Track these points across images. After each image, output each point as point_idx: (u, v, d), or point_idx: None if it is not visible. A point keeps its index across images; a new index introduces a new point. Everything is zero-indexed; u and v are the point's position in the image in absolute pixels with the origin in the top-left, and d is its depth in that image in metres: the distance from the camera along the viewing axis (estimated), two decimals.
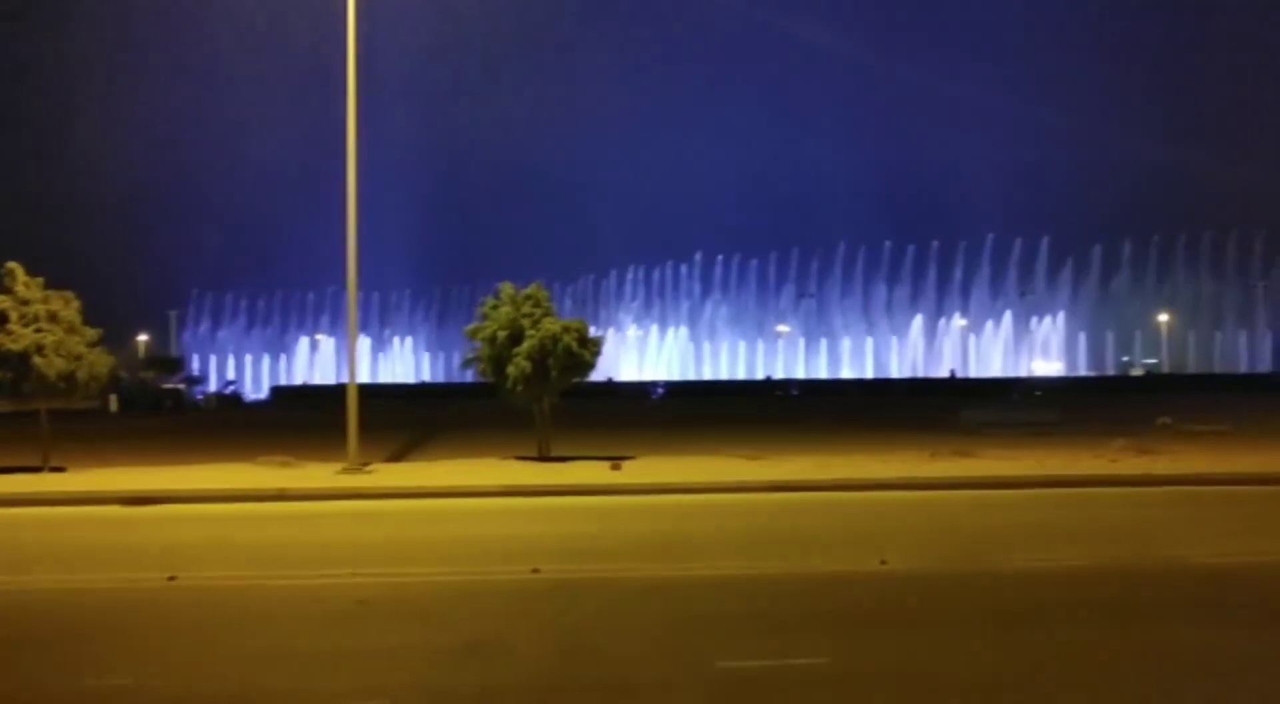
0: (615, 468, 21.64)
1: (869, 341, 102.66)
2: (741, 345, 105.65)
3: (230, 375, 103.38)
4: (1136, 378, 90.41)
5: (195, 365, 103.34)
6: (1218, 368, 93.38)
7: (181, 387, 76.67)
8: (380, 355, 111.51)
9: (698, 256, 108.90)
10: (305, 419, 46.10)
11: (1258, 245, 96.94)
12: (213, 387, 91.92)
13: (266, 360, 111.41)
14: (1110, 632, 8.95)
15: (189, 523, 16.65)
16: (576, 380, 23.99)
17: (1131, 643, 8.58)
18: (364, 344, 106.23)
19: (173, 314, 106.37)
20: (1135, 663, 8.03)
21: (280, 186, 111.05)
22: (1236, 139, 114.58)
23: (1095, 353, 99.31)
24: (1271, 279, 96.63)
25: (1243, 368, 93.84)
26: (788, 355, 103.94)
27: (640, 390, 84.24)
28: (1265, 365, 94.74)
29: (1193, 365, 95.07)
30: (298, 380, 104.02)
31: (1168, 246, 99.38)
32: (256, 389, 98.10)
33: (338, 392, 49.15)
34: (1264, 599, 10.14)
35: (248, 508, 18.08)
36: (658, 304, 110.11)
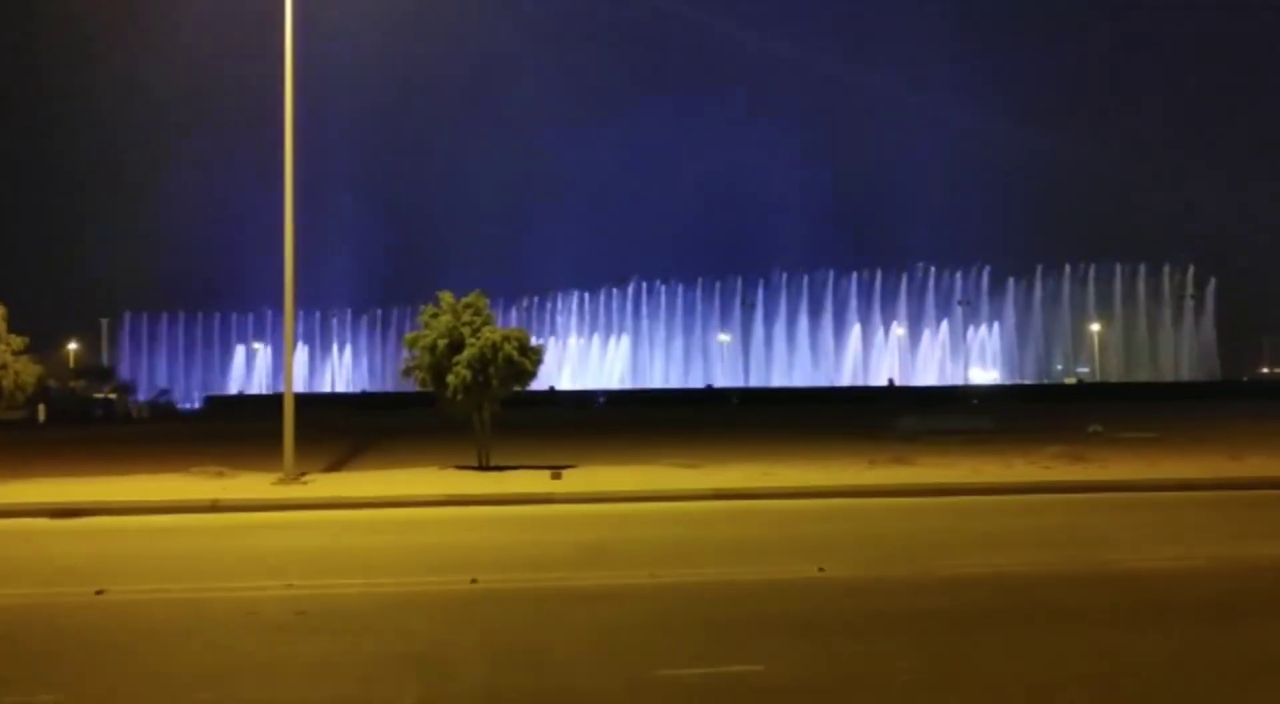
0: (556, 477, 21.58)
1: (809, 350, 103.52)
2: (683, 354, 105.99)
3: (163, 384, 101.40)
4: (1069, 386, 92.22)
5: (127, 374, 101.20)
6: (1146, 377, 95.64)
7: (113, 396, 75.00)
8: (318, 364, 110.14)
9: (637, 277, 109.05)
10: (240, 429, 45.38)
11: (1188, 260, 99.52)
12: (144, 396, 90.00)
13: (201, 370, 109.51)
14: (1041, 635, 9.11)
15: (119, 535, 16.30)
16: (518, 389, 23.90)
17: (1060, 645, 8.74)
18: (302, 353, 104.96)
19: (105, 322, 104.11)
20: (1063, 665, 8.18)
21: (219, 198, 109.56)
22: (1175, 164, 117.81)
23: (1029, 362, 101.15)
24: (1199, 292, 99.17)
25: (1169, 377, 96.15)
26: (729, 364, 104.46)
27: (582, 399, 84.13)
28: (1191, 374, 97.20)
29: (1123, 374, 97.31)
30: (233, 390, 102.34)
31: (1100, 259, 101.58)
32: (189, 399, 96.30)
33: (274, 401, 48.47)
34: (1188, 602, 10.38)
35: (180, 519, 17.75)
36: (601, 315, 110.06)
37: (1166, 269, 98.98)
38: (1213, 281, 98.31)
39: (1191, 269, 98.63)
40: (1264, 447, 27.09)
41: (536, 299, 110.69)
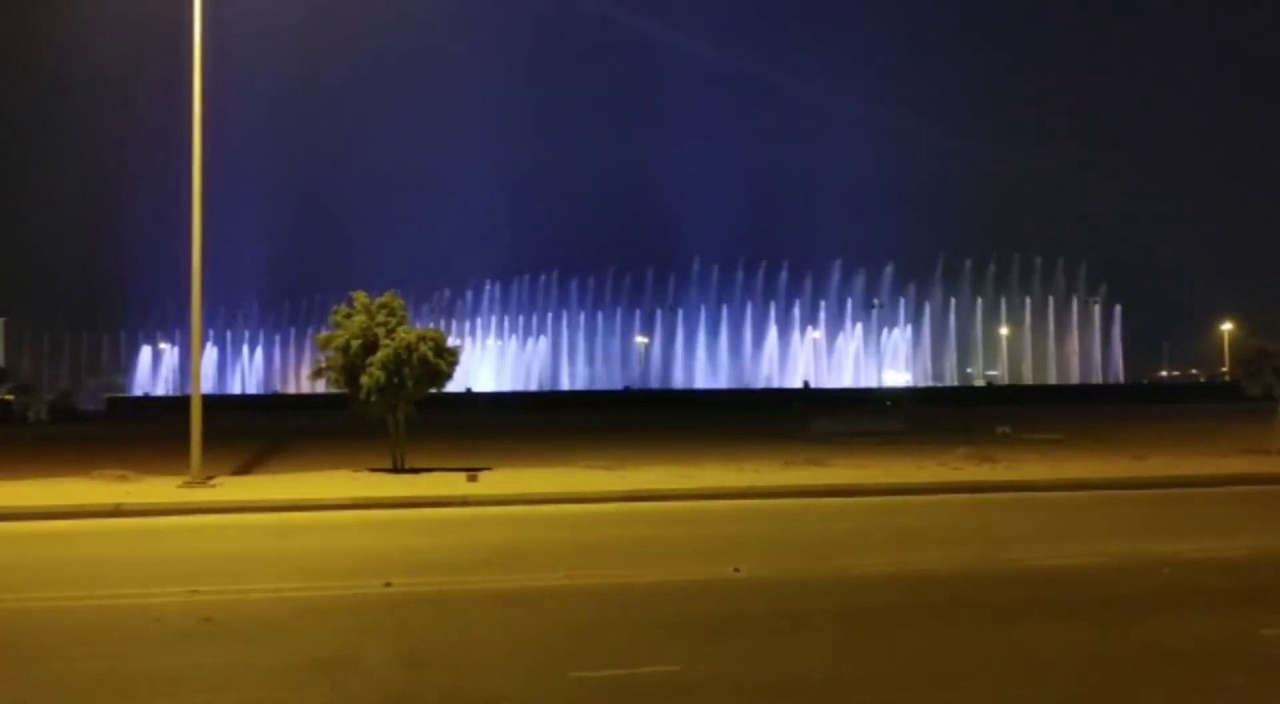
0: (472, 479, 21.39)
1: (725, 352, 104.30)
2: (600, 356, 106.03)
3: (64, 385, 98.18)
4: (979, 389, 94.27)
5: (27, 376, 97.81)
6: (1054, 380, 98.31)
7: (9, 398, 72.40)
8: (228, 365, 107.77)
9: (555, 273, 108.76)
10: (146, 431, 44.16)
11: (1083, 266, 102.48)
12: (45, 397, 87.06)
13: (104, 371, 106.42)
14: (951, 630, 9.26)
15: (16, 541, 15.71)
16: (433, 391, 23.63)
17: (970, 640, 8.90)
18: (210, 354, 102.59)
19: (1, 321, 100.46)
20: (973, 658, 8.32)
21: (126, 192, 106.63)
22: (1080, 167, 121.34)
23: (942, 365, 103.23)
24: (1102, 296, 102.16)
25: (1075, 380, 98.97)
26: (647, 366, 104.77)
27: (499, 400, 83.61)
28: (1097, 377, 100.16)
29: (1031, 377, 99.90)
30: (138, 392, 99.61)
31: (1008, 264, 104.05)
32: (93, 401, 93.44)
33: (180, 403, 47.27)
34: (1092, 597, 10.65)
35: (81, 524, 17.17)
36: (518, 316, 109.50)
37: (1060, 264, 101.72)
38: (1104, 288, 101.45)
39: (1084, 267, 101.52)
40: (1165, 447, 28.02)
41: (449, 292, 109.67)
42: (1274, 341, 29.09)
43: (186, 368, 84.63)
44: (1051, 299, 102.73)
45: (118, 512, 18.09)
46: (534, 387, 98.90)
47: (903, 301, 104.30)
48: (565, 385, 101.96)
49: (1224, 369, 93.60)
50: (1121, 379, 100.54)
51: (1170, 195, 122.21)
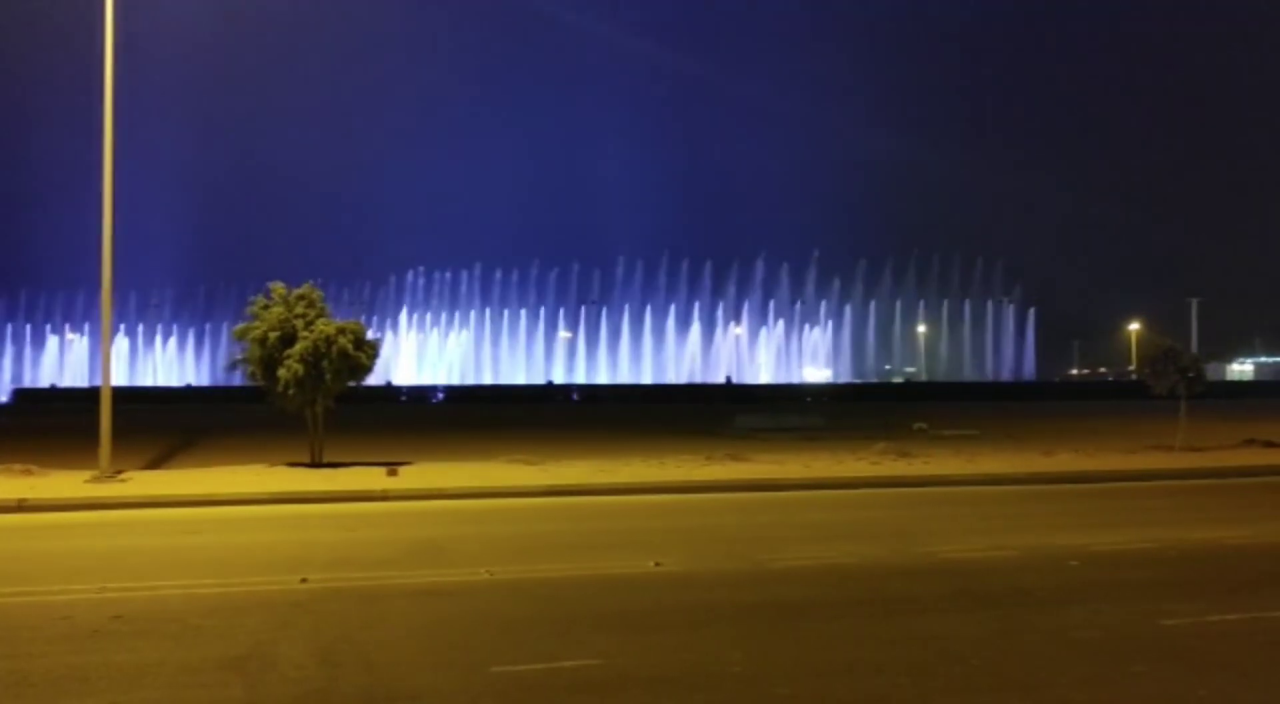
0: (391, 473, 21.16)
1: (648, 348, 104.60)
2: (523, 350, 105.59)
3: None
4: (897, 385, 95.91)
5: None
6: (969, 377, 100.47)
7: None
8: (139, 357, 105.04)
9: (478, 267, 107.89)
10: (52, 424, 42.89)
11: (999, 266, 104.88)
12: None
13: (8, 360, 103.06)
14: (866, 623, 9.42)
15: None
16: (353, 384, 23.31)
17: (884, 632, 9.06)
18: (122, 344, 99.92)
19: None
20: (887, 650, 8.48)
21: (35, 177, 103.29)
22: (999, 169, 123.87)
23: (860, 361, 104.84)
24: (1016, 297, 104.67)
25: (990, 377, 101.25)
26: (569, 360, 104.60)
27: (420, 394, 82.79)
28: (1009, 376, 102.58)
29: (947, 375, 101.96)
30: (45, 382, 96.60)
31: (927, 263, 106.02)
32: None
33: (90, 395, 45.99)
34: (1001, 589, 10.91)
35: None
36: (440, 307, 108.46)
37: (978, 270, 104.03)
38: (1018, 288, 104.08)
39: (999, 266, 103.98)
40: (1073, 444, 28.80)
41: (370, 284, 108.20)
42: (1179, 342, 30.07)
43: (97, 358, 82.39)
44: (968, 299, 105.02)
45: (21, 507, 17.54)
46: (455, 381, 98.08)
47: (823, 298, 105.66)
48: (487, 379, 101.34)
49: (1131, 368, 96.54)
50: (1034, 377, 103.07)
51: (1085, 198, 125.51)
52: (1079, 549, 13.16)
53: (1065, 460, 24.43)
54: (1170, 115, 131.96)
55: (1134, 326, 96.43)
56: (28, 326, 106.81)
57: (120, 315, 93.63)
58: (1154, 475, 22.49)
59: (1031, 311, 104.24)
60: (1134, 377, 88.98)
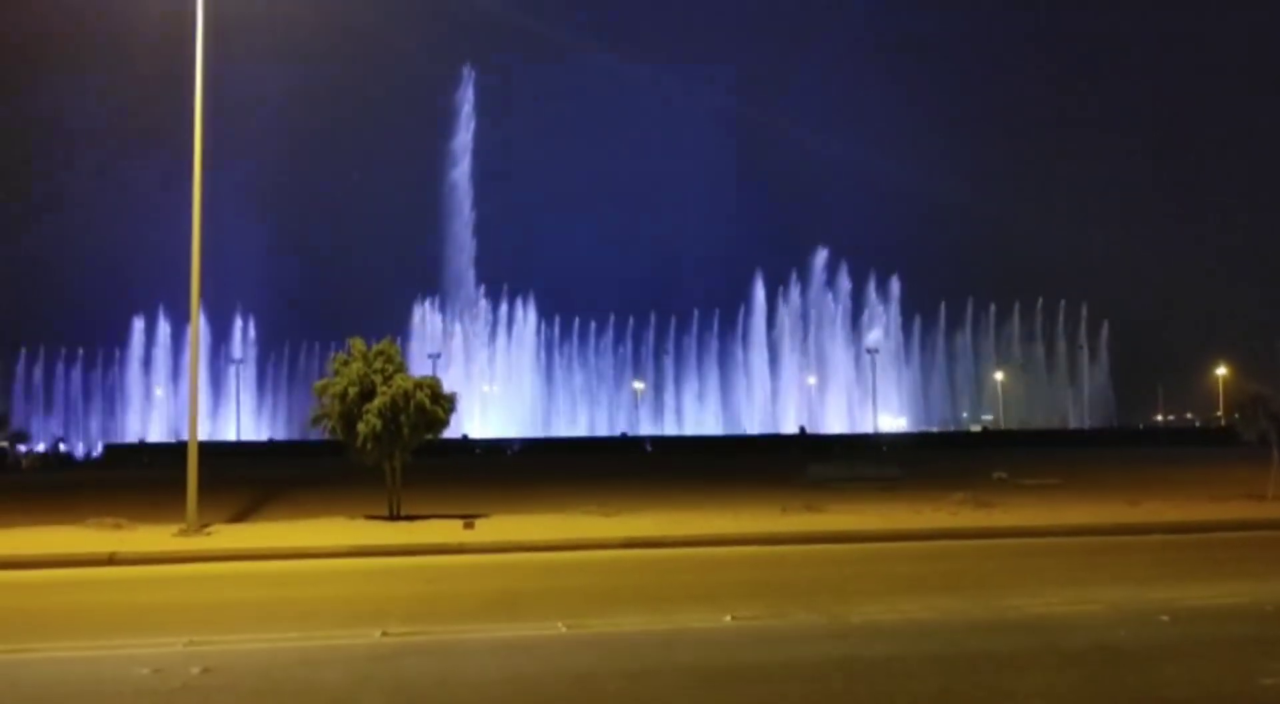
0: (468, 526, 21.33)
1: (721, 398, 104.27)
2: (598, 401, 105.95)
3: (59, 432, 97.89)
4: (974, 433, 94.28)
5: (23, 421, 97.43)
6: (1048, 424, 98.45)
7: (3, 445, 72.15)
8: (225, 411, 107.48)
9: (558, 318, 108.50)
10: (141, 478, 44.01)
11: (1084, 311, 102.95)
12: (41, 444, 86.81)
13: (100, 417, 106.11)
14: (952, 681, 9.24)
15: (9, 590, 15.65)
16: (430, 437, 23.62)
17: (970, 691, 8.87)
18: (206, 400, 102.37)
19: None
20: None
21: (123, 236, 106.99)
22: (1075, 214, 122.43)
23: (936, 409, 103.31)
24: (1095, 341, 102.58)
25: (1070, 424, 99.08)
26: (643, 411, 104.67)
27: (496, 447, 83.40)
28: (1090, 421, 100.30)
29: (1025, 421, 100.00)
30: (132, 437, 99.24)
31: (1005, 310, 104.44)
32: (88, 446, 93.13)
33: (177, 450, 47.12)
34: (1088, 645, 10.62)
35: (75, 573, 17.10)
36: (514, 361, 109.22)
37: (1061, 314, 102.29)
38: (1104, 330, 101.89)
39: (1084, 316, 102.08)
40: (1160, 492, 28.00)
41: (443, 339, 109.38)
42: (1269, 386, 29.18)
43: (183, 414, 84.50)
44: (1045, 343, 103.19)
45: (112, 560, 18.01)
46: (530, 433, 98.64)
47: (898, 347, 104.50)
48: (561, 432, 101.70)
49: (1219, 414, 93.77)
50: (1115, 423, 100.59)
51: (1167, 240, 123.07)
52: (1169, 603, 12.77)
53: (1152, 510, 23.77)
54: (1262, 168, 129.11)
55: (1221, 370, 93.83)
56: (117, 384, 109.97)
57: (205, 371, 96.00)
58: (1246, 526, 21.75)
59: (1105, 355, 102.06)
60: (1222, 422, 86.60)
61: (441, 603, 13.84)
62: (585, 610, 12.91)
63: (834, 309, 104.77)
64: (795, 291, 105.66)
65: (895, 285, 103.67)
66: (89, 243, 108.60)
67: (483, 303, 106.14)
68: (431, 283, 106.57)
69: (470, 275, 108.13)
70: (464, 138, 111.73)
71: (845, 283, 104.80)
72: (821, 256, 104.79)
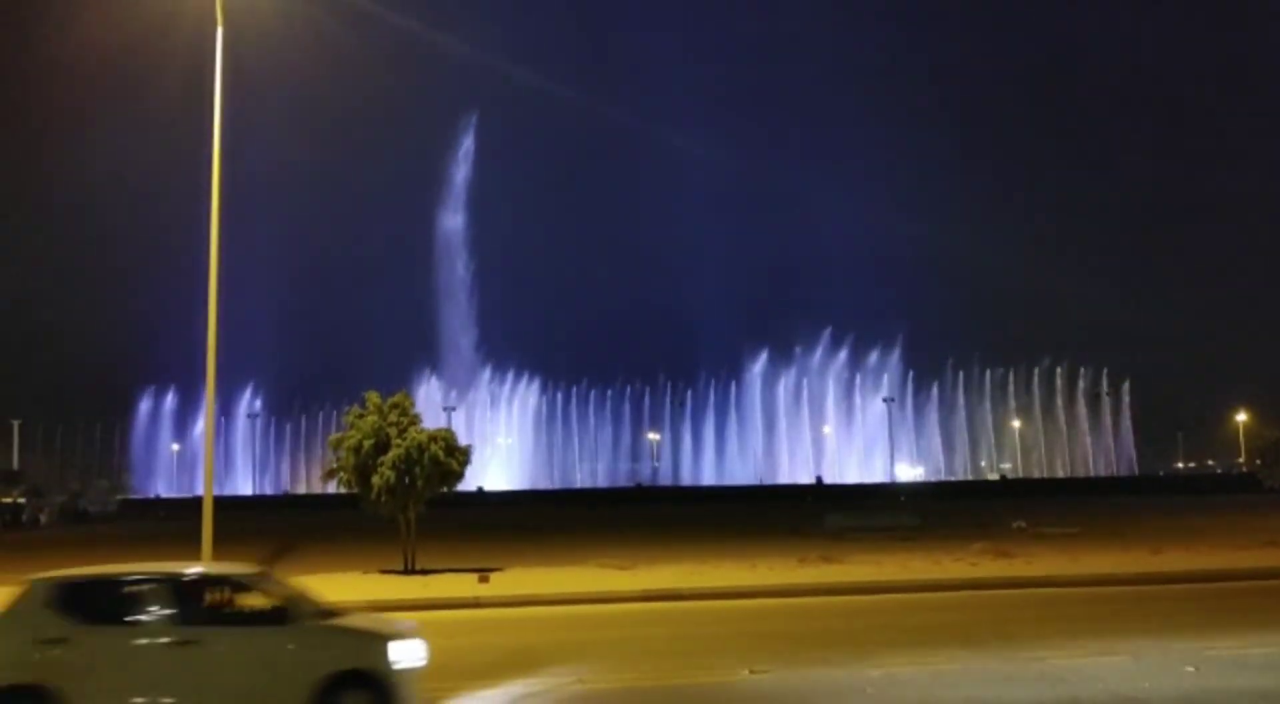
0: (483, 580, 21.19)
1: (737, 448, 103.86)
2: (614, 452, 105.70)
3: (74, 487, 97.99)
4: (993, 483, 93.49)
5: (38, 476, 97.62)
6: (1067, 473, 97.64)
7: (20, 501, 72.28)
8: (238, 466, 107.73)
9: (566, 381, 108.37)
10: (155, 532, 43.95)
11: (1102, 360, 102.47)
12: (55, 499, 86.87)
13: (116, 472, 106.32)
14: None
15: None
16: (444, 489, 23.56)
17: None
18: (220, 454, 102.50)
19: (16, 424, 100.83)
20: None
21: (133, 293, 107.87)
22: (1084, 265, 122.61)
23: (954, 459, 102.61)
24: (1114, 389, 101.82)
25: (1089, 473, 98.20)
26: (658, 463, 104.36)
27: (511, 498, 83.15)
28: (1109, 470, 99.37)
29: (1044, 471, 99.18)
30: (148, 492, 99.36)
31: (1019, 360, 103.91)
32: (104, 502, 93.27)
33: (191, 504, 47.15)
34: (1111, 697, 10.44)
35: None
36: (530, 416, 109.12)
37: (1082, 371, 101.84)
38: (1127, 382, 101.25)
39: (1105, 370, 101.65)
40: (1182, 541, 27.66)
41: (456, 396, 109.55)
42: None
43: (197, 469, 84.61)
44: (1062, 392, 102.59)
45: None
46: (545, 485, 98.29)
47: (915, 398, 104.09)
48: (577, 483, 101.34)
49: (1240, 460, 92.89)
50: (1135, 472, 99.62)
51: (1184, 288, 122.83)
52: (1195, 653, 12.56)
53: (1175, 558, 23.46)
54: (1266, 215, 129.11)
55: (1241, 417, 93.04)
56: (133, 440, 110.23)
57: (218, 426, 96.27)
58: (1271, 574, 21.40)
59: (1127, 400, 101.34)
60: (1244, 469, 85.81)
61: (457, 657, 13.70)
62: (601, 665, 12.78)
63: (847, 373, 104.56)
64: (805, 356, 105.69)
65: (899, 347, 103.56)
66: (112, 299, 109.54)
67: (486, 376, 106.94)
68: (433, 352, 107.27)
69: (469, 345, 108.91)
70: (459, 212, 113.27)
71: (851, 352, 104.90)
72: (828, 331, 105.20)
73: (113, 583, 9.99)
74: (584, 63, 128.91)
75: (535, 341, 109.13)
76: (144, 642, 9.35)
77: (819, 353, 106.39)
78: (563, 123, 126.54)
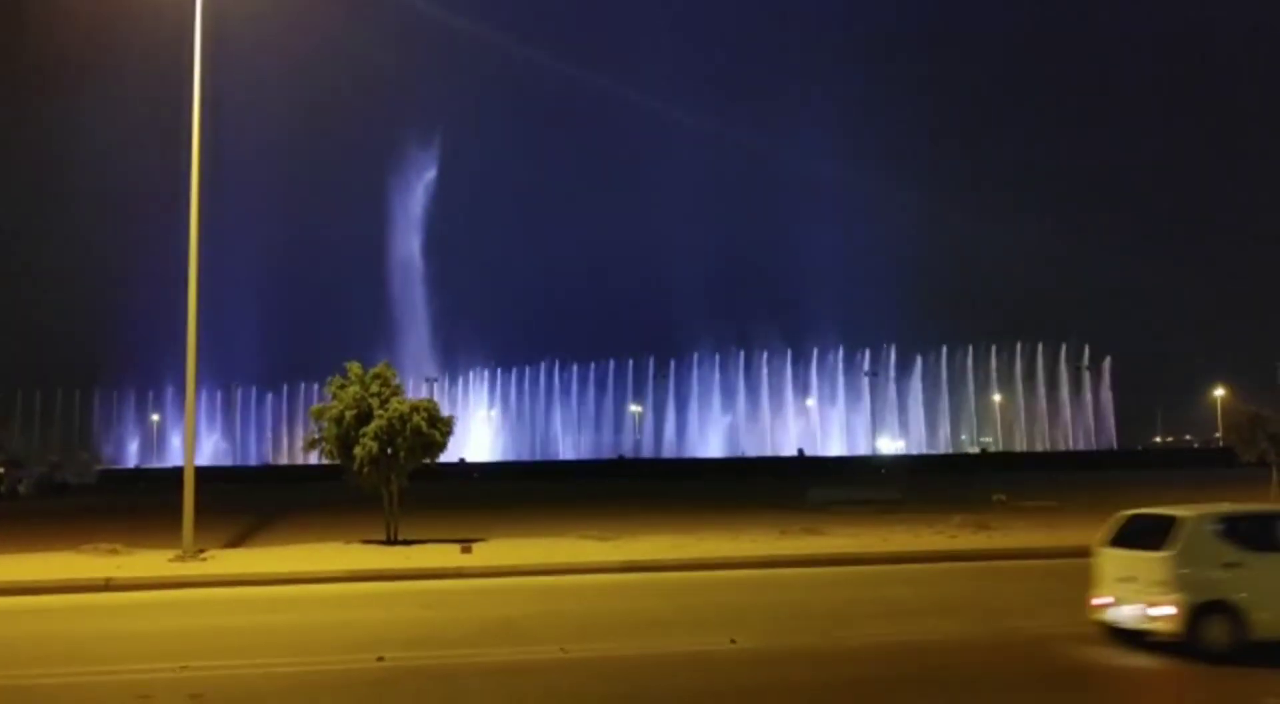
0: (465, 550, 21.22)
1: (719, 420, 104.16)
2: (596, 425, 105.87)
3: (54, 458, 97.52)
4: (974, 456, 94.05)
5: (17, 446, 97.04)
6: (1045, 447, 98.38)
7: (0, 471, 71.86)
8: (220, 436, 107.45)
9: (554, 361, 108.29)
10: (137, 504, 43.81)
11: (1082, 336, 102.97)
12: (35, 470, 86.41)
13: (97, 444, 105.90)
14: (953, 698, 9.17)
15: (5, 617, 15.53)
16: (427, 461, 23.50)
17: None
18: (203, 426, 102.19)
19: None
20: None
21: (120, 266, 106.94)
22: (1068, 243, 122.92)
23: (936, 433, 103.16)
24: (1095, 365, 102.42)
25: (1069, 446, 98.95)
26: (641, 436, 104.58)
27: (493, 470, 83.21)
28: (1089, 444, 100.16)
29: (1025, 444, 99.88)
30: (131, 464, 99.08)
31: (1002, 335, 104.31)
32: (82, 473, 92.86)
33: (173, 476, 47.01)
34: (1088, 666, 10.56)
35: (70, 599, 16.98)
36: (513, 393, 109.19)
37: (1064, 347, 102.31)
38: (1108, 358, 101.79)
39: (1087, 348, 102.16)
40: None
41: (448, 376, 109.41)
42: (1267, 408, 29.17)
43: (179, 439, 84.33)
44: (1043, 367, 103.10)
45: (108, 586, 17.90)
46: (527, 456, 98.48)
47: (898, 372, 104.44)
48: (561, 455, 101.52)
49: (1217, 435, 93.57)
50: (1115, 446, 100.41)
51: (1164, 262, 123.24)
52: None
53: None
54: (1263, 187, 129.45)
55: (1219, 392, 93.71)
56: (114, 411, 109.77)
57: (203, 398, 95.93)
58: None
59: (1108, 378, 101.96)
60: (1220, 444, 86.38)
61: (439, 628, 13.75)
62: (583, 635, 12.83)
63: (830, 347, 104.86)
64: (787, 330, 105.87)
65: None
66: (95, 273, 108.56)
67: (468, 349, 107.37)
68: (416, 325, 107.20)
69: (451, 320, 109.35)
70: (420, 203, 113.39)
71: (834, 326, 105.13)
72: (810, 305, 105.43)
73: (1265, 518, 12.58)
74: (562, 32, 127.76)
75: (519, 314, 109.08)
76: None
77: (800, 326, 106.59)
78: (543, 91, 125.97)
